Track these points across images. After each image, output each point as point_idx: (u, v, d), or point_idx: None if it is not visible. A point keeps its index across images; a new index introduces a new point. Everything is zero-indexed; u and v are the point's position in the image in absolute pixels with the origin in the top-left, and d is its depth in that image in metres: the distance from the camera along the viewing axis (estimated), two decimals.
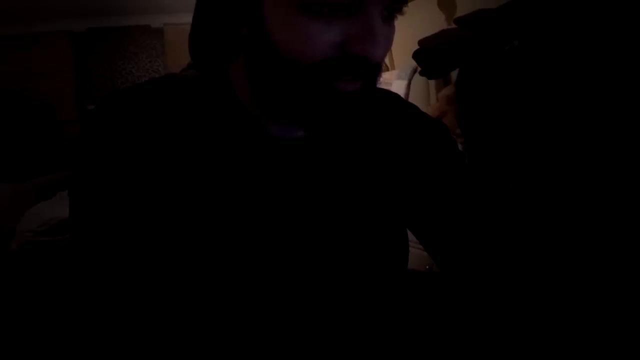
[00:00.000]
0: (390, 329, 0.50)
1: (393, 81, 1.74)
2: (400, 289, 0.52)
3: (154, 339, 0.42)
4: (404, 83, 1.70)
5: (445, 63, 0.65)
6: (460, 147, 0.62)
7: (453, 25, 0.65)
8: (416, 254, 0.67)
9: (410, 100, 1.06)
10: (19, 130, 2.95)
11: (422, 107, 0.60)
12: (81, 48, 3.86)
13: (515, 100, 0.61)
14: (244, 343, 0.43)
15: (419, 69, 0.66)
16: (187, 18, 0.47)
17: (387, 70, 1.99)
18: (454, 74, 1.33)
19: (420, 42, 0.62)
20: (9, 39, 3.64)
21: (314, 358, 0.45)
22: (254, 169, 0.44)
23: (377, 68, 0.41)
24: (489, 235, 0.49)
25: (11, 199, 2.23)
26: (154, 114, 0.43)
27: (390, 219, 0.51)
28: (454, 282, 0.56)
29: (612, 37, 0.50)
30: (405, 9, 0.41)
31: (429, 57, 0.64)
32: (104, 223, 0.41)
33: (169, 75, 0.48)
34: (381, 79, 0.43)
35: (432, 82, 1.76)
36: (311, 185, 0.47)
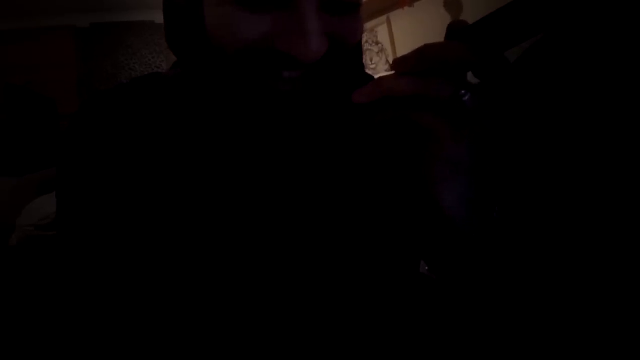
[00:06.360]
0: (391, 331, 0.50)
1: None
2: (408, 290, 0.52)
3: (148, 337, 0.42)
4: None
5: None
6: None
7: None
8: None
9: None
10: (20, 123, 2.95)
11: None
12: (84, 43, 3.86)
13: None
14: (243, 342, 0.43)
15: None
16: None
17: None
18: None
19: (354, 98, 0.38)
20: (13, 33, 3.64)
21: (314, 357, 0.45)
22: (240, 162, 0.44)
23: (317, 69, 0.38)
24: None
25: (12, 193, 2.22)
26: (137, 111, 0.43)
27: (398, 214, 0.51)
28: (449, 286, 0.56)
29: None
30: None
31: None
32: (93, 223, 0.41)
33: (154, 73, 0.49)
34: None
35: None
36: (308, 180, 0.46)
